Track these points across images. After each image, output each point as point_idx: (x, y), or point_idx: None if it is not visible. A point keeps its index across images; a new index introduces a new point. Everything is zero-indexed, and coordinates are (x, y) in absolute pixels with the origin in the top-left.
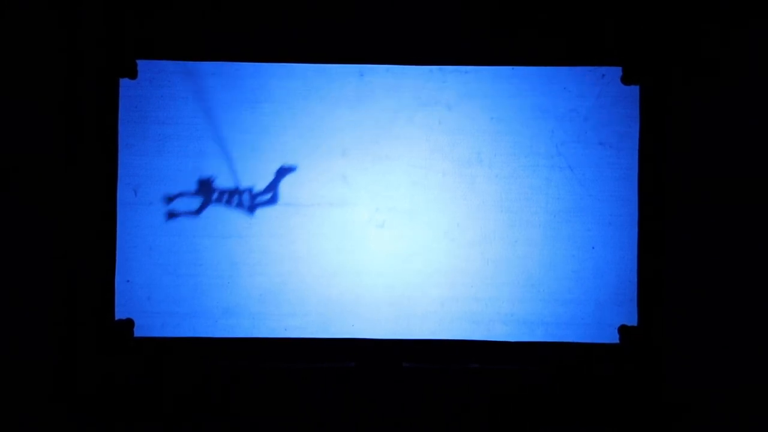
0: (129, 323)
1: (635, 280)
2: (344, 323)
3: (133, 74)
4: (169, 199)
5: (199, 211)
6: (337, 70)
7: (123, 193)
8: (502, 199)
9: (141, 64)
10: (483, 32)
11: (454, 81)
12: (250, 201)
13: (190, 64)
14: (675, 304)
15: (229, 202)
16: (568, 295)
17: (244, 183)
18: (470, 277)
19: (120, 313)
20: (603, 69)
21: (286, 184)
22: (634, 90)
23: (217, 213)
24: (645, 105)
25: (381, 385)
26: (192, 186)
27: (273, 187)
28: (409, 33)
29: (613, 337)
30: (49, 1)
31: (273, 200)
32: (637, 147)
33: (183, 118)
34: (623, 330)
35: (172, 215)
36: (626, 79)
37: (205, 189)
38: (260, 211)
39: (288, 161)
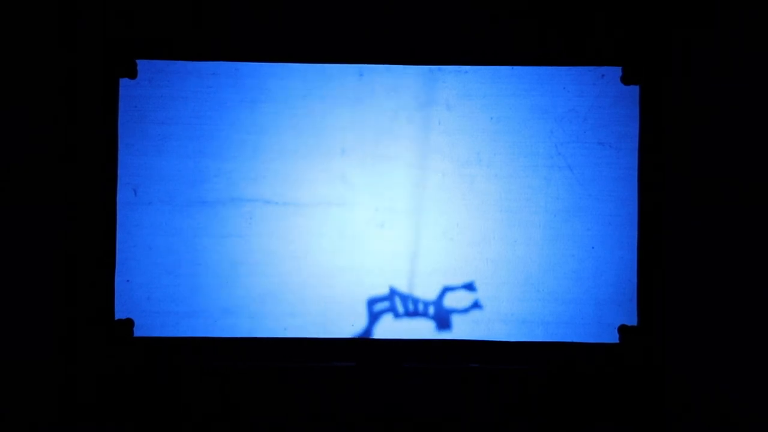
0: (128, 323)
1: (635, 279)
2: (344, 323)
3: (132, 74)
4: None
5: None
6: (336, 70)
7: (123, 193)
8: (501, 199)
9: (141, 64)
10: (482, 32)
11: (454, 81)
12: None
13: (190, 64)
14: (675, 304)
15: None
16: (568, 295)
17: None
18: (470, 276)
19: (120, 313)
20: (602, 69)
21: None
22: (634, 90)
23: (216, 213)
24: (645, 105)
25: (381, 385)
26: None
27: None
28: (409, 33)
29: (612, 337)
30: (49, 0)
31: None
32: (636, 147)
33: (182, 118)
34: (623, 330)
35: None
36: (626, 79)
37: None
38: (260, 211)
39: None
